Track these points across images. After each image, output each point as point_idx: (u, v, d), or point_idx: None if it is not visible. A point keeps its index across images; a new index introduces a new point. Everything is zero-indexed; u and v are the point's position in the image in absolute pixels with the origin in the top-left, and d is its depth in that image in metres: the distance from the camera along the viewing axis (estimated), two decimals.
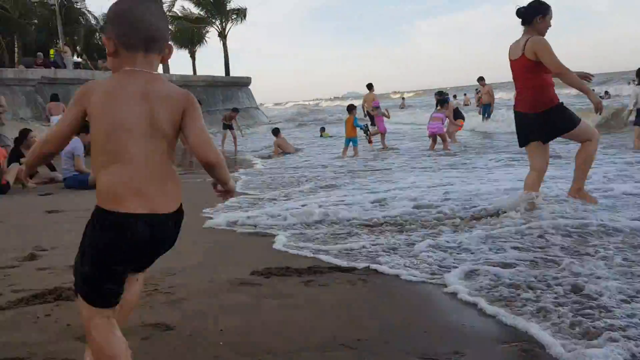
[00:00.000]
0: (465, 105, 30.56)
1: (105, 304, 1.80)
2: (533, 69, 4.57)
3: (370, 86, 16.39)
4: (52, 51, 20.89)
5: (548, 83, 4.63)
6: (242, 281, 3.34)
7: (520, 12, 4.66)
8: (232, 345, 2.39)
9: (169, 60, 2.00)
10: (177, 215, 1.86)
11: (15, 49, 28.12)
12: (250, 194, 6.84)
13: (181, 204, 1.88)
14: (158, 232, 1.80)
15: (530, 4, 4.65)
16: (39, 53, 19.94)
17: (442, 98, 12.39)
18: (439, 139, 11.56)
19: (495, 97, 18.12)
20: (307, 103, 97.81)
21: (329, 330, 2.55)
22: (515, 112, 4.84)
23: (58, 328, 2.63)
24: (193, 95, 1.92)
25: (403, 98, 46.07)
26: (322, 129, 18.88)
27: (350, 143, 11.50)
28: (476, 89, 25.30)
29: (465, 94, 33.05)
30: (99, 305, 1.79)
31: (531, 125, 4.67)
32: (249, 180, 8.32)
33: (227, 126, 15.82)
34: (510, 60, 4.74)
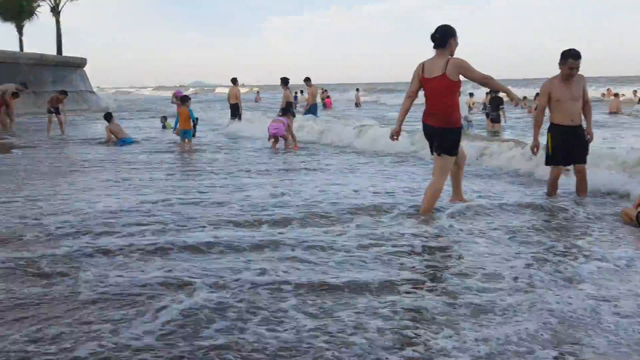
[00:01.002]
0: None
1: None
2: (453, 88, 4.81)
3: (234, 80, 16.66)
4: None
5: (458, 103, 4.92)
6: None
7: (436, 37, 4.83)
8: None
9: None
10: None
11: None
12: None
13: None
14: None
15: (442, 28, 4.83)
16: None
17: (285, 107, 12.83)
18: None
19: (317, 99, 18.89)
20: (132, 90, 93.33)
21: None
22: (428, 126, 4.99)
23: None
24: None
25: (258, 92, 45.55)
26: (164, 118, 17.77)
27: (185, 136, 11.26)
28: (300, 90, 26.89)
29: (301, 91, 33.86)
30: None
31: (440, 137, 4.89)
32: None
33: (53, 110, 14.62)
34: (425, 77, 4.85)
